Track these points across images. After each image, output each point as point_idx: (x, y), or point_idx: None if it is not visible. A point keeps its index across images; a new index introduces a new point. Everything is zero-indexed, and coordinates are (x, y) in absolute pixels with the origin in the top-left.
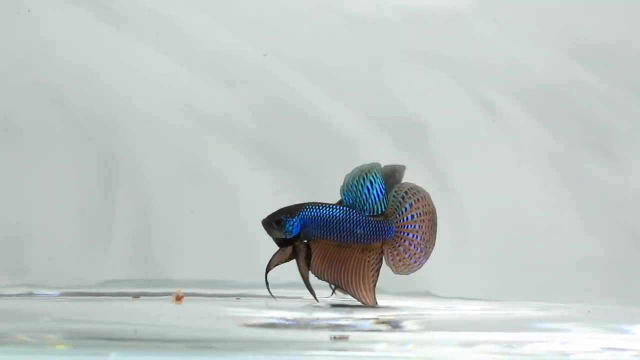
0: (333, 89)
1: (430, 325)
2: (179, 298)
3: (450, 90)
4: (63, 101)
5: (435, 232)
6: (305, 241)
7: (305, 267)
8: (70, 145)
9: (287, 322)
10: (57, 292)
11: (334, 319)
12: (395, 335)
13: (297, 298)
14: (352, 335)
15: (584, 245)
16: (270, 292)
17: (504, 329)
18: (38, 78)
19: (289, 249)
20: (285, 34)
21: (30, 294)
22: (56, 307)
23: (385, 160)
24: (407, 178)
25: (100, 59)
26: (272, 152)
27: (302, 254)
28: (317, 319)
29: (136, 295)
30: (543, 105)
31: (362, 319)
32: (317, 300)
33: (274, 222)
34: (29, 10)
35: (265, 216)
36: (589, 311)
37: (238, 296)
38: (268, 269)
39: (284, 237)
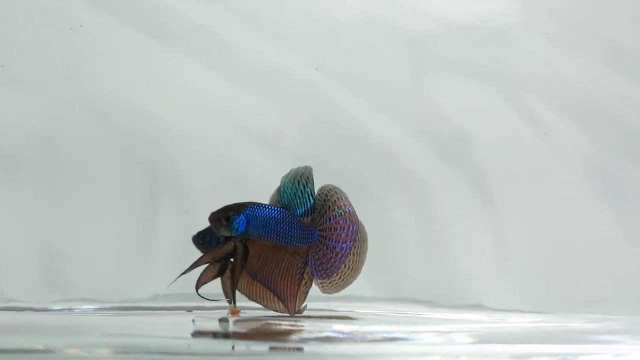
0: (377, 103)
1: (484, 338)
2: (235, 312)
3: (494, 103)
4: (109, 117)
5: (354, 233)
6: (244, 242)
7: (241, 269)
8: (115, 160)
9: (342, 336)
10: (109, 306)
11: (388, 332)
12: (449, 348)
13: (348, 311)
14: (406, 348)
15: (633, 256)
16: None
17: (557, 341)
18: (85, 94)
19: (217, 267)
20: (330, 49)
21: (80, 309)
22: (108, 322)
23: (429, 173)
24: (451, 192)
25: (147, 74)
26: (317, 165)
27: (241, 255)
28: (372, 332)
29: (190, 310)
30: (587, 116)
31: (417, 332)
32: (235, 307)
33: (224, 219)
34: (81, 26)
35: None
36: None
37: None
38: (200, 284)
39: (229, 234)
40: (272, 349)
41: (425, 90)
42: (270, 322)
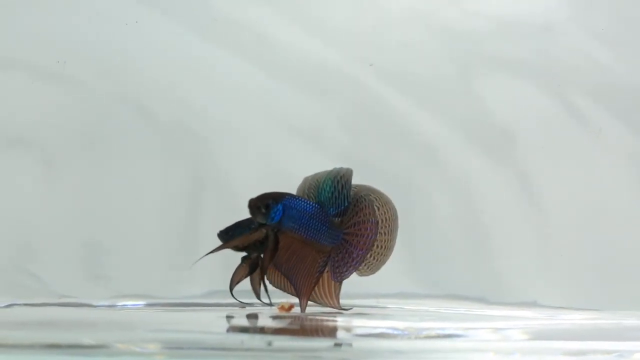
0: (421, 98)
1: (537, 335)
2: (286, 308)
3: (539, 99)
4: (151, 112)
5: (372, 242)
6: (275, 231)
7: (269, 260)
8: (160, 155)
9: (396, 332)
10: (161, 302)
11: (442, 328)
12: (503, 344)
13: (400, 308)
14: (460, 344)
15: None
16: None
17: (612, 338)
18: (126, 88)
19: (247, 265)
20: (376, 45)
21: (132, 305)
22: (160, 318)
23: (475, 169)
24: (498, 188)
25: (189, 69)
26: (360, 161)
27: (272, 244)
28: (426, 328)
29: (243, 305)
30: (635, 114)
31: (470, 328)
32: (262, 302)
33: (263, 206)
34: (136, 22)
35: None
36: None
37: (349, 307)
38: (232, 285)
39: (264, 222)
40: (325, 344)
41: (472, 86)
42: (322, 318)
